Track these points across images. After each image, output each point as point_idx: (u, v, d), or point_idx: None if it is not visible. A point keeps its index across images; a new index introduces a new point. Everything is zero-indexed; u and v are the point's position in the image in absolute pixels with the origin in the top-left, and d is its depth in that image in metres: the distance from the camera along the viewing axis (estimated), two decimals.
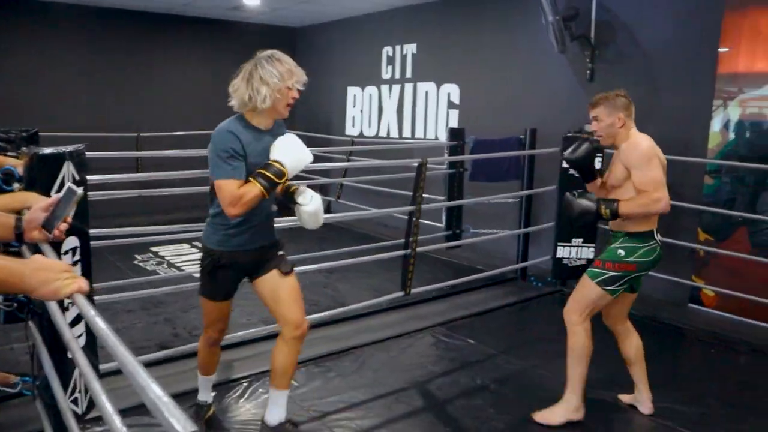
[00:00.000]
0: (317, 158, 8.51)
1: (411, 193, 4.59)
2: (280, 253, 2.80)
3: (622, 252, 2.96)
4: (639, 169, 2.86)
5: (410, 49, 8.01)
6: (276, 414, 2.81)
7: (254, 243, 2.70)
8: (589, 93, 5.86)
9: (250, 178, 2.44)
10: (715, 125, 4.88)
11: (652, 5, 5.39)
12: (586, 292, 3.04)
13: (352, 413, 3.23)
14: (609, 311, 3.21)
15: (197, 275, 2.83)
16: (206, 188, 2.48)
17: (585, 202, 2.99)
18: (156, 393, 0.97)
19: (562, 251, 5.23)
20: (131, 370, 1.06)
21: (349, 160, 7.90)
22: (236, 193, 2.42)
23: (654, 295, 5.03)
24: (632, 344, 3.25)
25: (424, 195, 4.62)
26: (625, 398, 3.42)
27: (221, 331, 2.91)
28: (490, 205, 6.05)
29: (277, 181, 2.47)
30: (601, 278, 2.98)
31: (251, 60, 2.56)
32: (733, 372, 3.93)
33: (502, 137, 5.88)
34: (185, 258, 6.36)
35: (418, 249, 4.67)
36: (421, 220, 4.63)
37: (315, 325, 4.33)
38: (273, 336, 4.03)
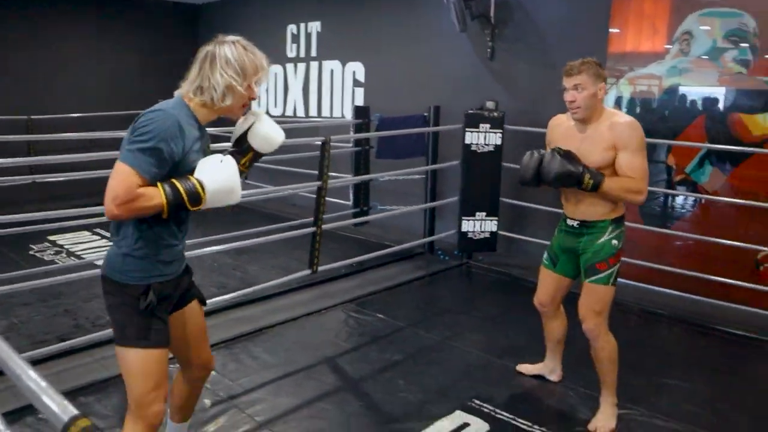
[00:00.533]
0: (223, 138, 8.33)
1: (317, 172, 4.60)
2: (192, 280, 2.28)
3: (616, 242, 2.80)
4: (633, 153, 2.66)
5: (315, 27, 7.94)
6: None
7: (178, 264, 2.13)
8: (489, 70, 6.06)
9: (159, 183, 1.87)
10: (608, 102, 5.14)
11: None
12: (603, 301, 2.84)
13: (263, 393, 3.24)
14: (556, 295, 3.16)
15: (99, 263, 2.43)
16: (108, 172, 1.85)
17: (569, 166, 2.66)
18: (31, 377, 0.93)
19: (467, 225, 5.41)
20: (3, 357, 1.00)
21: None
22: (133, 189, 1.81)
23: None
24: (562, 325, 3.27)
25: (331, 173, 4.64)
26: (531, 369, 3.47)
27: (165, 400, 2.06)
28: (396, 181, 6.15)
29: (188, 205, 1.90)
30: (614, 277, 2.82)
31: (211, 42, 2.06)
32: (625, 332, 4.20)
33: (406, 115, 5.97)
34: (85, 246, 6.10)
35: (326, 227, 4.70)
36: (329, 199, 4.65)
37: (224, 308, 4.31)
38: None
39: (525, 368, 3.49)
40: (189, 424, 2.47)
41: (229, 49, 2.02)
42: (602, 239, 2.79)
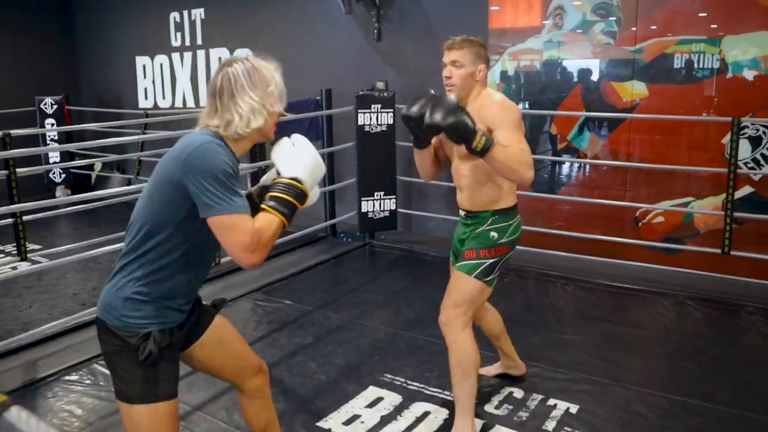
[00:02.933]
0: (110, 134, 7.99)
1: None
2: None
3: (494, 234, 2.56)
4: (509, 130, 2.37)
5: (198, 13, 7.73)
6: None
7: (189, 307, 1.89)
8: (377, 52, 6.13)
9: (262, 206, 1.72)
10: (494, 77, 5.34)
11: None
12: (463, 291, 2.55)
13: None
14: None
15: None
16: None
17: (466, 117, 2.23)
18: None
19: (366, 205, 5.50)
20: None
21: (144, 134, 7.52)
22: (254, 230, 1.64)
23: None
24: (494, 319, 3.02)
25: None
26: (492, 370, 3.22)
27: None
28: None
29: (299, 205, 1.77)
30: (480, 270, 2.53)
31: (221, 68, 1.83)
32: (522, 295, 4.44)
33: (298, 99, 5.95)
34: None
35: None
36: None
37: None
38: (84, 325, 3.86)
39: (487, 371, 3.20)
40: None
41: (242, 68, 1.80)
42: (480, 228, 2.58)
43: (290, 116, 5.75)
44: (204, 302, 2.02)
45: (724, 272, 4.42)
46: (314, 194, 1.87)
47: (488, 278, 2.55)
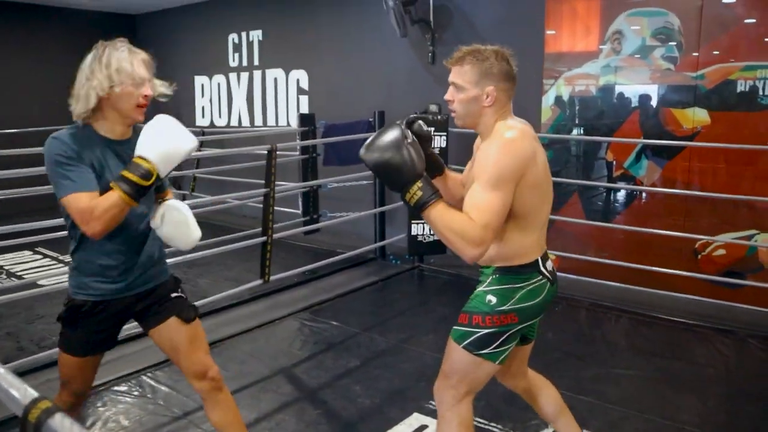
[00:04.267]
0: None
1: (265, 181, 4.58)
2: (175, 295, 2.27)
3: (491, 299, 1.98)
4: (483, 185, 1.82)
5: (256, 35, 7.91)
6: None
7: (131, 288, 2.15)
8: (431, 75, 6.14)
9: (111, 184, 1.90)
10: (548, 101, 5.27)
11: None
12: (452, 361, 2.06)
13: None
14: (505, 370, 2.31)
15: (42, 282, 2.61)
16: (49, 188, 1.92)
17: (398, 155, 1.83)
18: None
19: (416, 228, 5.47)
20: None
21: (200, 151, 7.69)
22: (88, 205, 1.86)
23: None
24: (549, 398, 2.40)
25: (280, 182, 4.63)
26: None
27: (77, 395, 2.26)
28: (345, 188, 6.16)
29: (144, 183, 1.89)
30: (470, 340, 1.98)
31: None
32: (574, 326, 4.32)
33: (351, 121, 6.00)
34: (27, 266, 5.92)
35: (277, 236, 4.69)
36: (279, 208, 4.64)
37: None
38: (135, 337, 3.93)
39: None
40: None
41: (90, 57, 2.02)
42: (480, 288, 2.05)
43: (342, 138, 5.81)
44: (186, 309, 2.26)
45: None
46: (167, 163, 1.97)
47: (483, 352, 1.97)
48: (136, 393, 3.35)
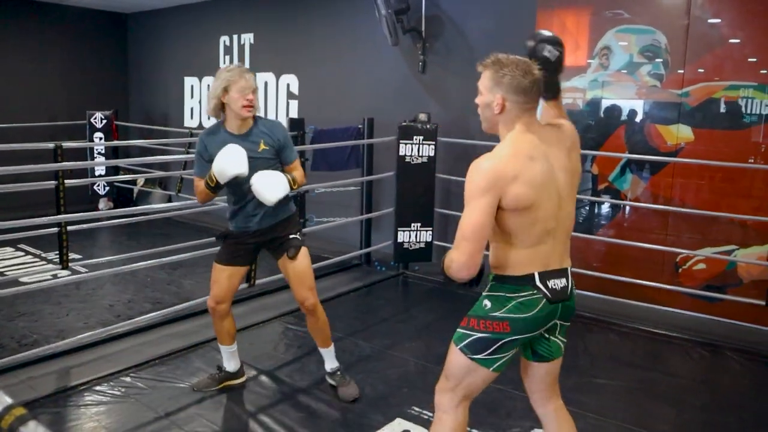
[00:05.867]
0: (155, 151, 8.17)
1: None
2: (291, 236, 3.15)
3: (488, 303, 2.02)
4: (465, 209, 1.91)
5: (248, 38, 7.92)
6: (329, 363, 3.44)
7: (252, 225, 3.13)
8: (421, 83, 6.19)
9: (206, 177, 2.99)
10: (537, 114, 5.32)
11: (475, 1, 5.77)
12: (449, 362, 2.10)
13: (201, 409, 3.21)
14: (527, 387, 2.27)
15: (24, 280, 2.65)
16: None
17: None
18: None
19: (403, 236, 5.50)
20: None
21: (188, 153, 7.68)
22: (196, 186, 3.06)
23: None
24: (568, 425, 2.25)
25: None
26: None
27: (220, 302, 3.22)
28: (332, 193, 6.18)
29: (211, 185, 2.94)
30: (466, 342, 2.02)
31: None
32: (570, 339, 4.35)
33: (341, 126, 6.03)
34: (9, 263, 5.88)
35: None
36: None
37: (159, 324, 4.24)
38: (118, 337, 3.94)
39: None
40: (333, 351, 3.45)
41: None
42: (483, 292, 2.09)
43: (332, 144, 5.83)
44: (290, 248, 3.14)
45: (766, 324, 4.28)
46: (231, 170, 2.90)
47: (478, 356, 2.00)
48: (117, 393, 3.34)
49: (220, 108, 2.98)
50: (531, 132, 1.99)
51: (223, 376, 3.43)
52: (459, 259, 1.89)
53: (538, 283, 1.97)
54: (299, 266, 3.15)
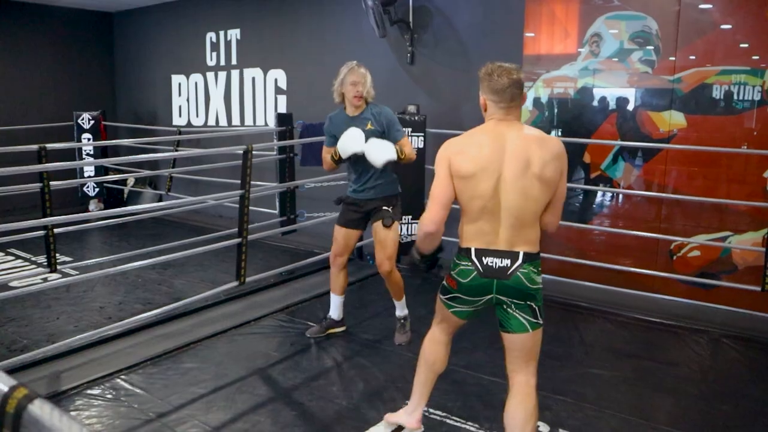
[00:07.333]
0: (144, 150, 8.11)
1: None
2: (386, 207, 3.77)
3: (451, 264, 2.45)
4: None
5: (234, 34, 7.84)
6: (397, 311, 4.08)
7: (362, 195, 3.80)
8: (410, 75, 6.13)
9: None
10: (527, 103, 5.29)
11: None
12: (437, 296, 2.60)
13: (193, 410, 3.16)
14: (509, 359, 2.48)
15: (14, 284, 2.58)
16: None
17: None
18: None
19: None
20: None
21: (177, 151, 7.61)
22: (324, 156, 3.87)
23: None
24: (515, 411, 2.40)
25: (257, 183, 4.58)
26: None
27: (338, 255, 3.94)
28: (322, 188, 6.12)
29: (335, 158, 3.70)
30: (441, 286, 2.55)
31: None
32: (550, 327, 4.31)
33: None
34: None
35: (253, 237, 4.64)
36: (256, 208, 4.60)
37: (151, 324, 4.19)
38: (109, 339, 3.88)
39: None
40: (402, 303, 4.07)
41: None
42: None
43: (320, 138, 5.76)
44: (386, 218, 3.76)
45: (762, 310, 4.26)
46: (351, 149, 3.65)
47: (442, 297, 2.56)
48: (109, 396, 3.30)
49: (341, 97, 3.79)
50: (500, 126, 2.32)
51: (329, 323, 4.12)
52: (425, 216, 2.38)
53: (473, 256, 2.34)
54: (386, 235, 3.75)
